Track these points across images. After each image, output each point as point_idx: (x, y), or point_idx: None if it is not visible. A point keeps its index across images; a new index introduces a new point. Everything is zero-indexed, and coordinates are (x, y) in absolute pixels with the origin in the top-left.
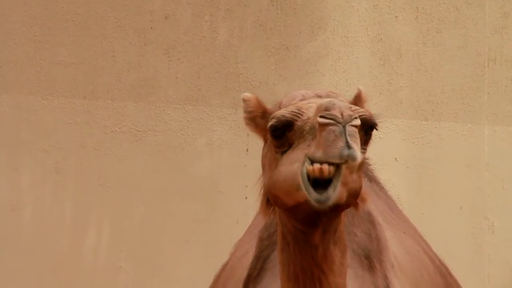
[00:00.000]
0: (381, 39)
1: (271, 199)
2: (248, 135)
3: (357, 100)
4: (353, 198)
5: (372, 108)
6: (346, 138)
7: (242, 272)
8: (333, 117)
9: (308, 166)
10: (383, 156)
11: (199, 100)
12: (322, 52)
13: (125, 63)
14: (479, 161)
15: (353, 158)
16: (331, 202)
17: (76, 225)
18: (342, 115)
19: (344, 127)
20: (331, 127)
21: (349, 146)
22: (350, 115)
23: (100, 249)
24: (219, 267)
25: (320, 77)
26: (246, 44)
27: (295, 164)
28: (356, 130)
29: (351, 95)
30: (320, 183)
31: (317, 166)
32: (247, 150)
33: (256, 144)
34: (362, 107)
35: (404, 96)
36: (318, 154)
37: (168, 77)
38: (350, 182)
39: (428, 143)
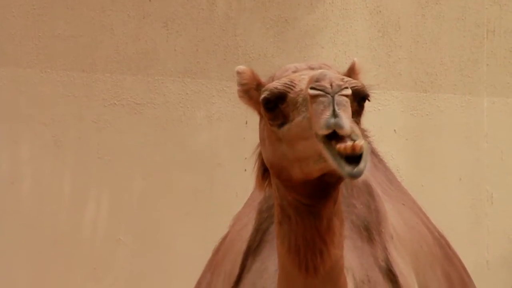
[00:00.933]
0: (380, 11)
1: (276, 172)
2: (247, 108)
3: (351, 72)
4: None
5: (371, 80)
6: (334, 107)
7: (241, 245)
8: (322, 88)
9: (337, 145)
10: (382, 128)
11: (197, 73)
12: (320, 25)
13: (124, 36)
14: (478, 133)
15: (340, 127)
16: (364, 175)
17: (75, 198)
18: (331, 85)
19: (333, 97)
20: (320, 98)
21: (335, 115)
22: (340, 85)
23: (99, 221)
24: (218, 240)
25: (319, 49)
26: (244, 17)
27: (310, 139)
28: (347, 99)
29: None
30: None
31: (349, 144)
32: (246, 123)
33: (255, 116)
34: (356, 78)
35: (403, 68)
36: (314, 128)
37: (166, 50)
38: None
39: (427, 115)
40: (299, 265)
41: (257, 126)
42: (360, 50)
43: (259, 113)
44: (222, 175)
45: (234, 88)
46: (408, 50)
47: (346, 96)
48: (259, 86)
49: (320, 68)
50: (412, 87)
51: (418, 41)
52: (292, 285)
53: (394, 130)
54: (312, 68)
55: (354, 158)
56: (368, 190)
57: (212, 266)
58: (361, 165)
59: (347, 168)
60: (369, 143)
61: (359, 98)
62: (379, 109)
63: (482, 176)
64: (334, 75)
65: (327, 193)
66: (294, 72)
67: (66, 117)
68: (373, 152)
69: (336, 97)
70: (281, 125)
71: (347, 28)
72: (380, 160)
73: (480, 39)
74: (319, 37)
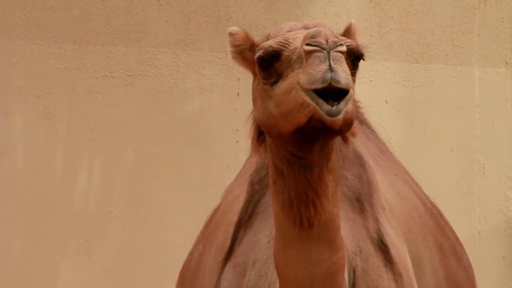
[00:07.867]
0: None
1: (266, 130)
2: (238, 79)
3: (347, 32)
4: (347, 126)
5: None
6: (330, 62)
7: (233, 216)
8: (318, 43)
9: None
10: (374, 99)
11: (189, 44)
12: None
13: (115, 8)
14: (470, 103)
15: (336, 81)
16: (341, 116)
17: (67, 170)
18: (327, 41)
19: (328, 52)
20: (316, 54)
21: (331, 69)
22: (335, 41)
23: (91, 193)
24: (210, 212)
25: (310, 20)
26: None
27: (292, 91)
28: (341, 55)
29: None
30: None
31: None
32: (238, 94)
33: (247, 87)
34: (352, 39)
35: (395, 38)
36: (304, 81)
37: (158, 21)
38: (348, 110)
39: (418, 85)
40: (293, 220)
41: (249, 98)
42: None
43: (253, 73)
44: (213, 147)
45: (226, 60)
46: (399, 21)
47: (341, 52)
48: (253, 46)
49: (315, 27)
50: (403, 57)
51: (409, 12)
52: (288, 242)
53: (386, 101)
54: (306, 28)
55: (336, 100)
56: (360, 162)
57: (204, 237)
58: (341, 105)
59: (325, 107)
60: (362, 114)
61: (353, 57)
62: (370, 80)
63: (474, 147)
64: (329, 31)
65: (316, 140)
66: (289, 31)
67: (58, 89)
68: (365, 123)
69: (332, 53)
70: (273, 83)
71: None
72: (372, 131)
73: (471, 9)
74: (310, 7)
